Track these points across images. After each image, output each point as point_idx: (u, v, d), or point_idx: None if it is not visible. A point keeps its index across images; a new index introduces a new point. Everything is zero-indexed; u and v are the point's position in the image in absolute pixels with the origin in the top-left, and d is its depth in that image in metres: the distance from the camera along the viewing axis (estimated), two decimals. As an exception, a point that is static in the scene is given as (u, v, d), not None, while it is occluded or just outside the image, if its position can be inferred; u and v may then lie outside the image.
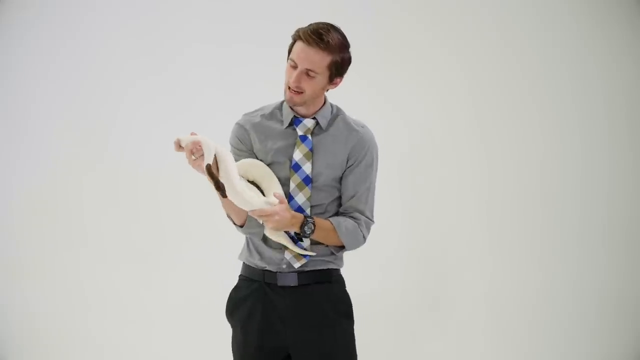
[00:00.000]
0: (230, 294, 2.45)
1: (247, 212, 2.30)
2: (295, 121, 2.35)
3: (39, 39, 3.98)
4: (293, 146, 2.34)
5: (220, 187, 2.16)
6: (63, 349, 3.96)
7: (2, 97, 4.01)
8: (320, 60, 2.26)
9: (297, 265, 2.33)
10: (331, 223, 2.32)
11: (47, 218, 4.00)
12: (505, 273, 3.79)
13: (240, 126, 2.40)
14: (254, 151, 2.38)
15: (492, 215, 3.80)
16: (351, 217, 2.36)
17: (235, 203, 2.24)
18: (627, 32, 3.67)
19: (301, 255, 2.33)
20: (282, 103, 2.39)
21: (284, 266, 2.35)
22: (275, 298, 2.35)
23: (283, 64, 3.85)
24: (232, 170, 2.21)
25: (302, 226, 2.28)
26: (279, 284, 2.35)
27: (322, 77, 2.28)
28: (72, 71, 3.98)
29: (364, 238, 2.38)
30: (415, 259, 3.83)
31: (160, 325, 3.94)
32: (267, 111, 2.40)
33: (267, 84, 3.87)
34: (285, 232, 2.32)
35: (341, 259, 2.42)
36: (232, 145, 2.41)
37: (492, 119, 3.79)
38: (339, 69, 2.29)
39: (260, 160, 2.36)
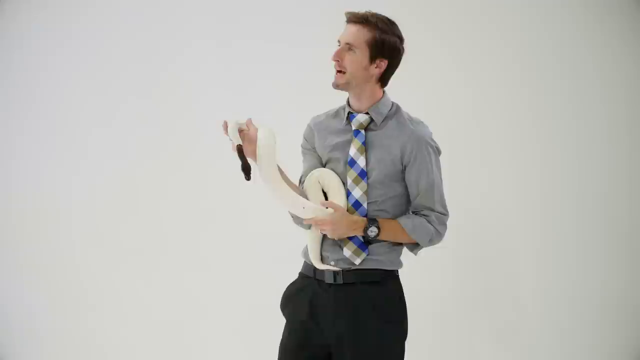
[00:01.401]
0: (286, 288, 2.51)
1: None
2: (350, 117, 2.40)
3: (39, 39, 3.98)
4: (350, 142, 2.38)
5: (245, 169, 2.23)
6: (63, 349, 3.96)
7: (2, 97, 4.02)
8: (359, 34, 2.31)
9: (357, 261, 2.35)
10: (397, 222, 2.35)
11: (47, 218, 4.00)
12: (504, 273, 3.79)
13: (308, 126, 2.50)
14: (316, 148, 2.45)
15: (491, 214, 3.80)
16: (422, 215, 2.38)
17: (271, 192, 2.31)
18: (626, 32, 3.67)
19: (360, 249, 2.35)
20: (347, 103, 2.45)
21: (332, 263, 2.37)
22: (322, 295, 2.39)
23: (284, 62, 3.88)
24: (267, 159, 2.29)
25: (365, 230, 2.31)
26: (327, 281, 2.38)
27: (362, 53, 2.31)
28: (72, 71, 3.98)
29: (438, 232, 2.38)
30: (412, 260, 3.82)
31: (161, 325, 3.94)
32: (332, 111, 2.48)
33: (268, 82, 3.90)
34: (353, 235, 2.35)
35: (395, 259, 2.42)
36: (301, 145, 2.51)
37: (492, 118, 3.79)
38: (379, 48, 2.32)
39: (320, 156, 2.44)
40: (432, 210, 2.37)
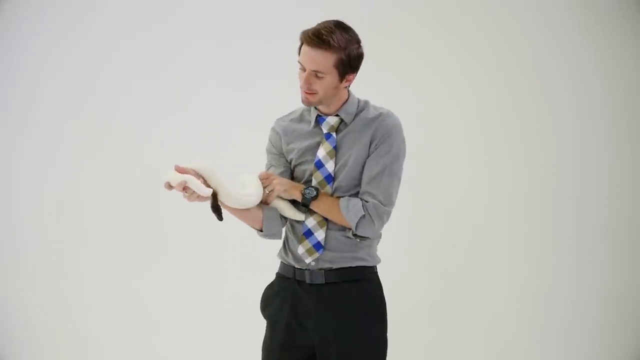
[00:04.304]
0: (265, 290, 2.49)
1: (261, 216, 2.38)
2: (319, 119, 2.38)
3: (39, 39, 3.98)
4: (319, 145, 2.37)
5: (216, 209, 2.29)
6: (63, 349, 3.96)
7: (2, 97, 4.02)
8: (324, 60, 2.26)
9: (308, 260, 2.35)
10: (336, 198, 2.33)
11: (47, 218, 4.01)
12: (505, 273, 3.79)
13: (273, 130, 2.47)
14: (284, 152, 2.43)
15: (491, 215, 3.80)
16: (362, 198, 2.34)
17: (238, 207, 2.31)
18: (627, 32, 3.68)
19: (314, 249, 2.34)
20: None
21: (313, 263, 2.36)
22: (303, 295, 2.38)
23: (283, 61, 3.88)
24: (222, 181, 2.28)
25: (303, 190, 2.32)
26: (308, 281, 2.37)
27: (331, 76, 2.28)
28: (73, 71, 3.99)
29: (371, 220, 2.30)
30: (413, 260, 3.83)
31: (160, 325, 3.94)
32: (296, 114, 2.45)
33: (267, 82, 3.90)
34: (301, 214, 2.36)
35: (373, 255, 2.41)
36: (266, 150, 2.48)
37: (493, 119, 3.79)
38: (346, 66, 2.28)
39: (289, 160, 2.42)
40: (374, 197, 2.32)
